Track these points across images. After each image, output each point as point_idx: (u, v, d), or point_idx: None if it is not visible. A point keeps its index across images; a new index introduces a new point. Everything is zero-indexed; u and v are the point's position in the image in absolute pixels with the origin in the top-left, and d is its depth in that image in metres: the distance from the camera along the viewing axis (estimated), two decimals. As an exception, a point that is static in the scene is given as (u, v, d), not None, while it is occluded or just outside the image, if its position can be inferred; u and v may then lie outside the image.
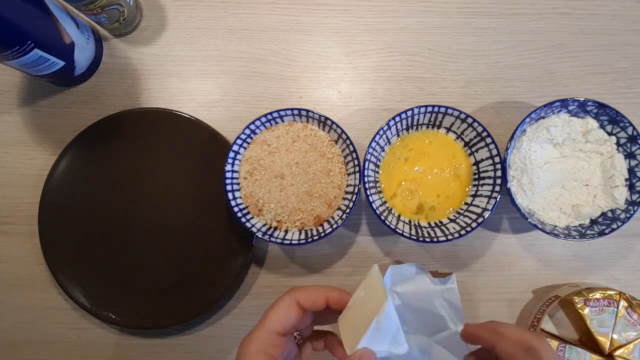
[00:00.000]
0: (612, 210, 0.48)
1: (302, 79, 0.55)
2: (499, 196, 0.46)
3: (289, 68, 0.55)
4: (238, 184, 0.48)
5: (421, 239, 0.45)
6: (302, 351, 0.38)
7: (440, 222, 0.49)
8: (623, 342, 0.46)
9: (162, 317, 0.50)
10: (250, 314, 0.52)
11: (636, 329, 0.46)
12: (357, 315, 0.35)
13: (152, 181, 0.52)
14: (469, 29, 0.55)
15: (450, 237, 0.45)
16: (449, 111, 0.47)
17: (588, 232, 0.47)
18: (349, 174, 0.48)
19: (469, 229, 0.45)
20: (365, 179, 0.46)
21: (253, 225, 0.47)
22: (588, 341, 0.47)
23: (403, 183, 0.49)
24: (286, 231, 0.48)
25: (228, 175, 0.47)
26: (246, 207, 0.48)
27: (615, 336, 0.46)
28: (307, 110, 0.47)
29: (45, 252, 0.50)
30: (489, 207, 0.46)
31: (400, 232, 0.45)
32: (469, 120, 0.47)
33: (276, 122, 0.49)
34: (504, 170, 0.46)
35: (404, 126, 0.49)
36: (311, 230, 0.47)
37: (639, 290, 0.51)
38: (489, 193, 0.47)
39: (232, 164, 0.48)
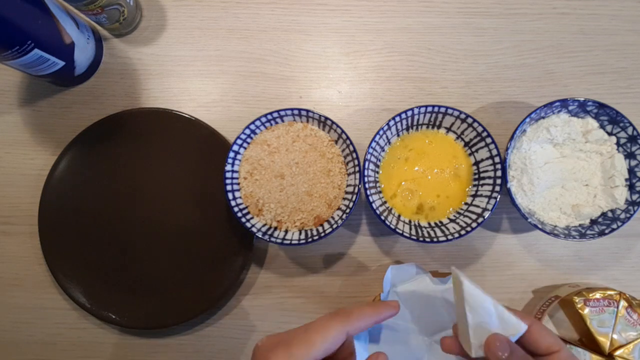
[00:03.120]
0: (612, 210, 0.48)
1: (302, 79, 0.55)
2: (499, 196, 0.46)
3: (289, 68, 0.55)
4: (238, 184, 0.48)
5: (421, 239, 0.45)
6: None
7: (440, 222, 0.49)
8: (623, 342, 0.46)
9: (162, 317, 0.50)
10: (250, 314, 0.52)
11: (636, 329, 0.46)
12: (459, 318, 0.33)
13: (152, 181, 0.52)
14: (469, 29, 0.55)
15: (450, 237, 0.45)
16: (449, 111, 0.47)
17: (588, 232, 0.47)
18: (349, 174, 0.48)
19: (469, 229, 0.45)
20: (365, 179, 0.46)
21: (253, 225, 0.47)
22: (588, 341, 0.47)
23: (403, 183, 0.49)
24: (286, 231, 0.48)
25: (228, 175, 0.47)
26: (246, 207, 0.48)
27: (615, 336, 0.46)
28: (307, 110, 0.47)
29: (45, 252, 0.50)
30: (489, 207, 0.46)
31: (400, 232, 0.45)
32: (469, 120, 0.47)
33: (276, 122, 0.49)
34: (504, 170, 0.46)
35: (404, 126, 0.49)
36: (311, 230, 0.47)
37: (639, 290, 0.51)
38: (489, 193, 0.47)
39: (232, 164, 0.48)
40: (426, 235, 0.46)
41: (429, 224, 0.49)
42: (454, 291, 0.34)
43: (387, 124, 0.47)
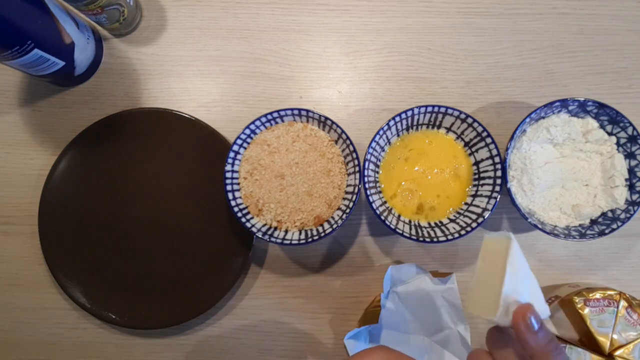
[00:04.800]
0: (612, 210, 0.48)
1: (302, 79, 0.55)
2: (499, 196, 0.46)
3: (289, 68, 0.55)
4: (238, 184, 0.48)
5: (421, 239, 0.45)
6: None
7: (440, 222, 0.49)
8: (623, 342, 0.46)
9: (162, 317, 0.50)
10: (250, 314, 0.52)
11: (636, 329, 0.46)
12: (485, 281, 0.31)
13: (152, 181, 0.52)
14: (469, 29, 0.55)
15: (450, 237, 0.45)
16: (449, 111, 0.47)
17: (588, 232, 0.47)
18: (349, 174, 0.48)
19: (469, 229, 0.45)
20: (365, 179, 0.46)
21: (253, 225, 0.47)
22: (588, 341, 0.47)
23: (403, 183, 0.49)
24: (286, 231, 0.48)
25: (228, 175, 0.47)
26: (246, 207, 0.48)
27: (615, 336, 0.46)
28: (307, 110, 0.47)
29: (45, 252, 0.50)
30: (489, 207, 0.46)
31: (400, 232, 0.45)
32: (469, 120, 0.47)
33: (276, 122, 0.49)
34: (504, 170, 0.46)
35: (404, 126, 0.49)
36: (311, 230, 0.47)
37: (639, 290, 0.51)
38: (489, 193, 0.47)
39: (232, 164, 0.48)
40: (426, 235, 0.46)
41: (429, 224, 0.49)
42: (488, 250, 0.31)
43: (387, 124, 0.47)
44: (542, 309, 0.30)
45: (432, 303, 0.47)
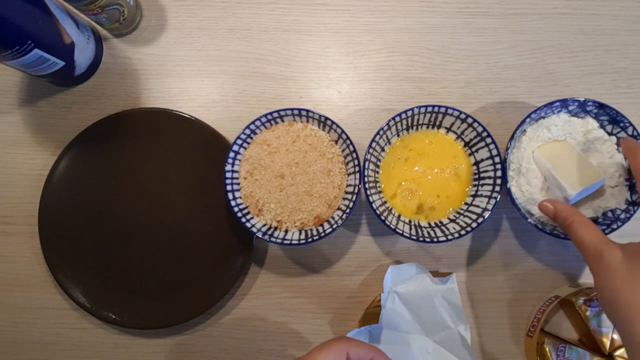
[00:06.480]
0: (612, 210, 0.48)
1: (302, 79, 0.55)
2: (499, 196, 0.46)
3: (289, 68, 0.55)
4: (238, 184, 0.48)
5: (421, 239, 0.45)
6: None
7: (440, 222, 0.49)
8: (623, 342, 0.46)
9: (162, 317, 0.50)
10: (250, 314, 0.52)
11: (636, 329, 0.46)
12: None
13: (152, 181, 0.52)
14: (469, 29, 0.55)
15: (450, 237, 0.45)
16: (449, 111, 0.47)
17: (588, 232, 0.47)
18: (349, 174, 0.48)
19: (469, 229, 0.45)
20: (365, 179, 0.46)
21: (253, 225, 0.47)
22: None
23: (403, 183, 0.49)
24: (286, 231, 0.48)
25: (228, 175, 0.47)
26: (246, 207, 0.48)
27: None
28: (307, 110, 0.47)
29: (45, 252, 0.50)
30: (489, 207, 0.46)
31: (400, 232, 0.45)
32: (469, 120, 0.47)
33: (276, 122, 0.49)
34: (504, 170, 0.46)
35: (404, 126, 0.49)
36: (311, 230, 0.47)
37: (639, 290, 0.51)
38: (489, 193, 0.47)
39: (232, 164, 0.48)
40: (426, 235, 0.46)
41: (429, 224, 0.49)
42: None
43: (387, 123, 0.47)
44: (565, 186, 0.44)
45: (432, 303, 0.47)
